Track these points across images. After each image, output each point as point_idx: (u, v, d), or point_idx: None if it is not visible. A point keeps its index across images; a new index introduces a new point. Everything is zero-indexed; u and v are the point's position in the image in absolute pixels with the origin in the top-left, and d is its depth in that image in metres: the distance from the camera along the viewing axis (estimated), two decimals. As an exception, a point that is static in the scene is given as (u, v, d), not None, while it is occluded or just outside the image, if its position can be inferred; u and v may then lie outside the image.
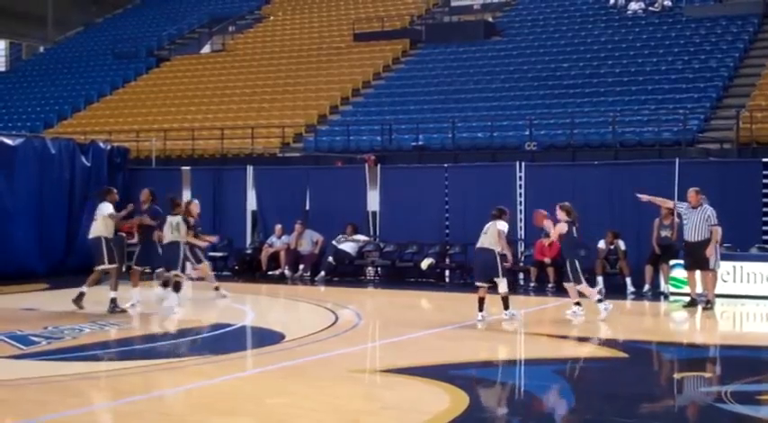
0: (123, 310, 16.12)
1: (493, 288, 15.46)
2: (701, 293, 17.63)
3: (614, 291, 19.56)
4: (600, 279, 19.85)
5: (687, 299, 17.60)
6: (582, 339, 14.35)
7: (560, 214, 15.78)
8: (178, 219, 17.03)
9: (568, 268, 15.84)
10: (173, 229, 16.95)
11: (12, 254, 21.59)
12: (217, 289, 18.48)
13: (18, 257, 21.75)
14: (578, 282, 15.84)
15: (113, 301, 16.09)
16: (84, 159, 23.97)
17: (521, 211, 21.66)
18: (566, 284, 16.16)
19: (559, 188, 20.98)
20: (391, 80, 34.84)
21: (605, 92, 28.48)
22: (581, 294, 16.01)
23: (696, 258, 17.31)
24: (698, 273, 17.53)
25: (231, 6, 48.32)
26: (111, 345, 13.77)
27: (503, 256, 15.48)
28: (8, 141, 22.62)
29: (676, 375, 11.92)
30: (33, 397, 9.84)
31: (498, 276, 15.36)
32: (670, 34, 32.32)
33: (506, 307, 15.48)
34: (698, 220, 17.15)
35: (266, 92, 35.41)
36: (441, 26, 39.18)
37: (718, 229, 17.22)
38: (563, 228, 15.74)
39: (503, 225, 15.58)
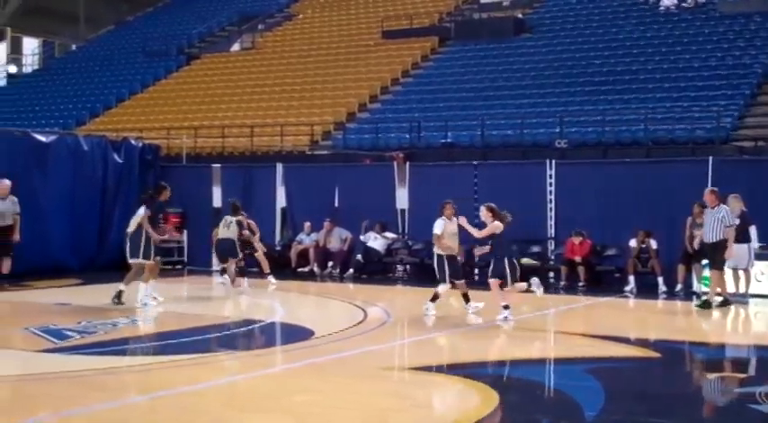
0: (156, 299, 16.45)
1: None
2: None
3: (646, 290, 19.43)
4: (631, 278, 19.71)
5: (719, 299, 17.39)
6: (613, 339, 14.24)
7: (485, 215, 15.19)
8: (234, 219, 18.77)
9: (499, 267, 15.09)
10: (225, 226, 18.74)
11: (45, 249, 21.69)
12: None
13: (51, 253, 21.86)
14: (514, 281, 15.17)
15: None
16: (116, 156, 24.05)
17: (551, 208, 21.54)
18: (491, 281, 15.30)
19: (590, 186, 20.91)
20: (420, 78, 34.80)
21: (637, 89, 28.31)
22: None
23: (713, 258, 17.11)
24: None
25: (261, 4, 48.45)
26: (143, 340, 13.85)
27: (449, 258, 15.60)
28: (41, 138, 22.74)
29: (709, 375, 11.81)
30: (66, 390, 9.89)
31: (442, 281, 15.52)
32: (703, 30, 32.10)
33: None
34: (713, 220, 16.92)
35: (295, 90, 35.47)
36: (470, 23, 39.07)
37: (732, 230, 16.88)
38: (498, 227, 15.08)
39: (437, 225, 15.61)
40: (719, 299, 17.20)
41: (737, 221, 17.17)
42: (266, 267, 20.10)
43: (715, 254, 16.96)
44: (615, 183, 20.88)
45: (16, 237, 18.60)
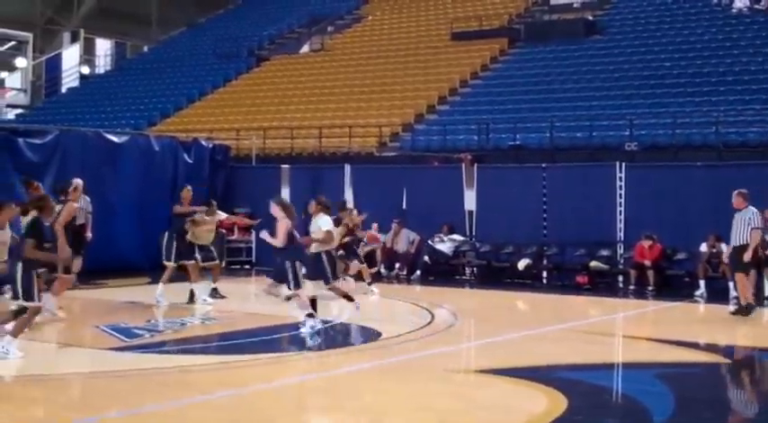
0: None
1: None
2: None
3: (717, 295, 19.19)
4: (702, 283, 19.48)
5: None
6: (682, 344, 14.09)
7: (275, 210, 14.10)
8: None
9: (290, 273, 13.83)
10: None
11: (116, 248, 21.99)
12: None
13: (122, 252, 22.15)
14: (297, 287, 13.91)
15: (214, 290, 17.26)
16: (186, 157, 24.33)
17: (620, 212, 21.36)
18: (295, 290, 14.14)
19: (660, 189, 20.71)
20: (489, 79, 34.71)
21: (708, 91, 27.95)
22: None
23: (735, 262, 16.63)
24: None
25: (330, 6, 48.61)
26: (211, 339, 13.99)
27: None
28: (113, 138, 23.08)
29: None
30: (136, 388, 10.05)
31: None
32: (776, 32, 31.62)
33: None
34: (740, 222, 16.43)
35: (364, 91, 35.55)
36: (540, 25, 38.86)
37: (758, 233, 16.37)
38: (286, 224, 13.90)
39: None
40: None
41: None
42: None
43: (738, 257, 16.45)
44: (686, 186, 20.65)
45: (89, 235, 18.87)
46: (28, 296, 11.34)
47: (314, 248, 15.02)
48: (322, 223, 15.03)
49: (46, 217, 12.14)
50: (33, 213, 12.28)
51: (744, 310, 16.26)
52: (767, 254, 17.80)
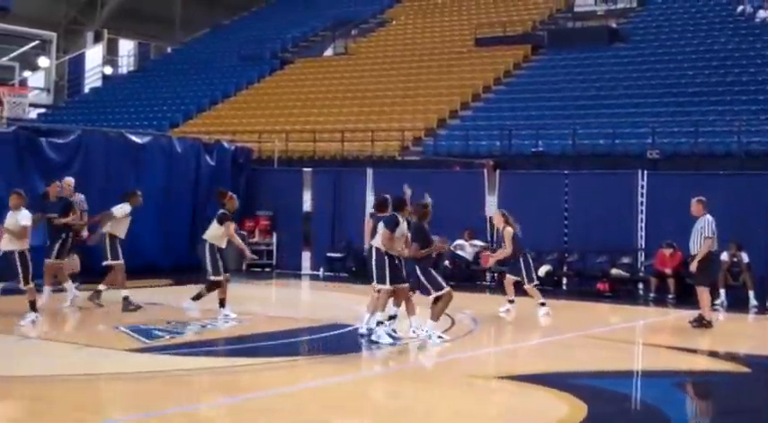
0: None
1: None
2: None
3: (737, 304, 19.15)
4: (722, 291, 19.44)
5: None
6: (702, 352, 14.10)
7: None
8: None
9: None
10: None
11: (138, 249, 22.03)
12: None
13: (143, 253, 22.22)
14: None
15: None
16: (208, 159, 24.43)
17: (642, 219, 21.33)
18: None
19: (682, 197, 20.60)
20: (512, 85, 34.72)
21: (731, 100, 27.90)
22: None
23: (695, 273, 16.12)
24: None
25: (355, 10, 48.67)
26: (231, 341, 14.02)
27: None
28: (136, 140, 23.20)
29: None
30: (156, 389, 10.10)
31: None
32: (800, 43, 31.53)
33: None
34: (694, 231, 16.01)
35: (387, 95, 35.62)
36: (563, 32, 38.87)
37: (709, 242, 15.88)
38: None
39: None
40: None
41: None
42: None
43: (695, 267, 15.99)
44: (707, 194, 20.41)
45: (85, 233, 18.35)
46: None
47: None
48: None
49: None
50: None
51: (707, 323, 15.78)
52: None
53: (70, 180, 18.08)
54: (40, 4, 51.25)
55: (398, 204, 13.88)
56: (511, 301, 17.26)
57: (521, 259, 17.05)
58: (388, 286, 13.46)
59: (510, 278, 17.35)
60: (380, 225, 13.75)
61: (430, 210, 13.83)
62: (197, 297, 15.75)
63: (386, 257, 13.53)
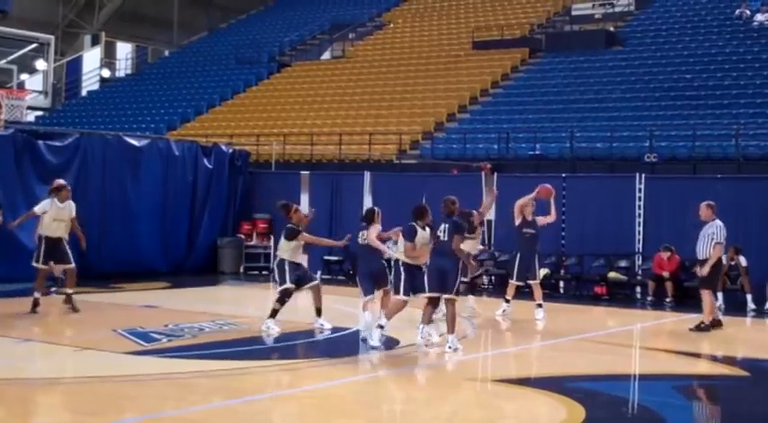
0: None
1: None
2: None
3: (735, 307, 19.16)
4: (720, 295, 19.42)
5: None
6: (700, 356, 14.09)
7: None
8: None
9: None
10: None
11: (136, 252, 22.12)
12: None
13: (141, 256, 22.28)
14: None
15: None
16: (206, 162, 24.45)
17: (639, 223, 21.34)
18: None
19: (679, 201, 20.67)
20: (509, 89, 34.72)
21: (729, 104, 27.91)
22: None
23: (699, 278, 16.15)
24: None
25: (352, 13, 48.71)
26: (230, 344, 13.99)
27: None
28: (134, 142, 23.21)
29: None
30: (154, 392, 10.09)
31: None
32: (798, 46, 31.55)
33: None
34: (704, 235, 15.96)
35: (384, 98, 35.62)
36: (561, 35, 38.88)
37: (720, 248, 15.92)
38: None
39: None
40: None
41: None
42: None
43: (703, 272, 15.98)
44: (705, 198, 20.51)
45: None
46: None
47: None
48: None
49: None
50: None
51: (706, 328, 15.78)
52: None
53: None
54: (38, 6, 51.19)
55: (417, 213, 14.15)
56: (507, 301, 17.32)
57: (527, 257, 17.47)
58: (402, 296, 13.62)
59: (513, 283, 17.40)
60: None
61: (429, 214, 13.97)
62: (273, 314, 14.82)
63: (402, 268, 13.64)
